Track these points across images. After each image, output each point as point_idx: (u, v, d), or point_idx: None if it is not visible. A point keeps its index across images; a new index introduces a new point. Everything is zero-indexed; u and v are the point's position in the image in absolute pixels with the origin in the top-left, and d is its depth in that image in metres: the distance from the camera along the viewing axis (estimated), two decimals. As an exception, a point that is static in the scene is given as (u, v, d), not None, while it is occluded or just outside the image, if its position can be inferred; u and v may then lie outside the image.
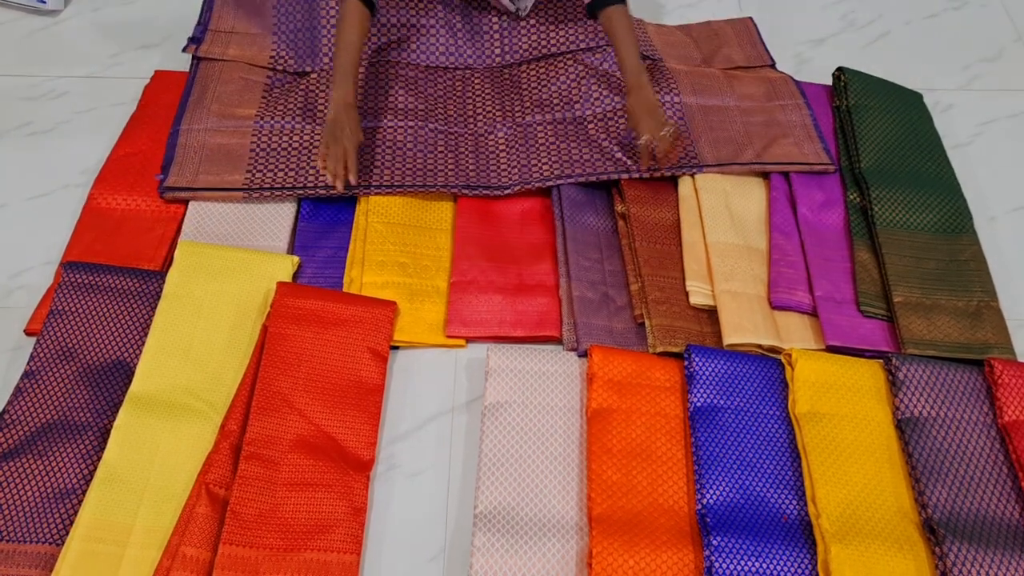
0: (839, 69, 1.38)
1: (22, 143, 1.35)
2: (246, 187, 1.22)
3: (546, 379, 1.08)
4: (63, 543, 0.92)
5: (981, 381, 1.07)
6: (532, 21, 1.37)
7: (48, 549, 0.93)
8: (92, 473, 0.97)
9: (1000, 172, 1.38)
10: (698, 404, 1.04)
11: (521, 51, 1.37)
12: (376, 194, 1.23)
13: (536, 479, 1.00)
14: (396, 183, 1.24)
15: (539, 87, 1.36)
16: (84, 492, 0.96)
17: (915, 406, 1.03)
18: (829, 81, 1.40)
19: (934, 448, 1.00)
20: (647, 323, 1.13)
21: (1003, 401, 1.03)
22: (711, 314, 1.16)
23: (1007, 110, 1.47)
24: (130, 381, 1.04)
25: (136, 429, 1.00)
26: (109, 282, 1.12)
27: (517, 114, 1.34)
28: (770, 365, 1.09)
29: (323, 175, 1.17)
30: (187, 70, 1.42)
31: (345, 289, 1.17)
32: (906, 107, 1.37)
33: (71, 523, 0.94)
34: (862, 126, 1.31)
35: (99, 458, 0.98)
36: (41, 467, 0.97)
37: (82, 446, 1.00)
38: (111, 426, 1.00)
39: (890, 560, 0.92)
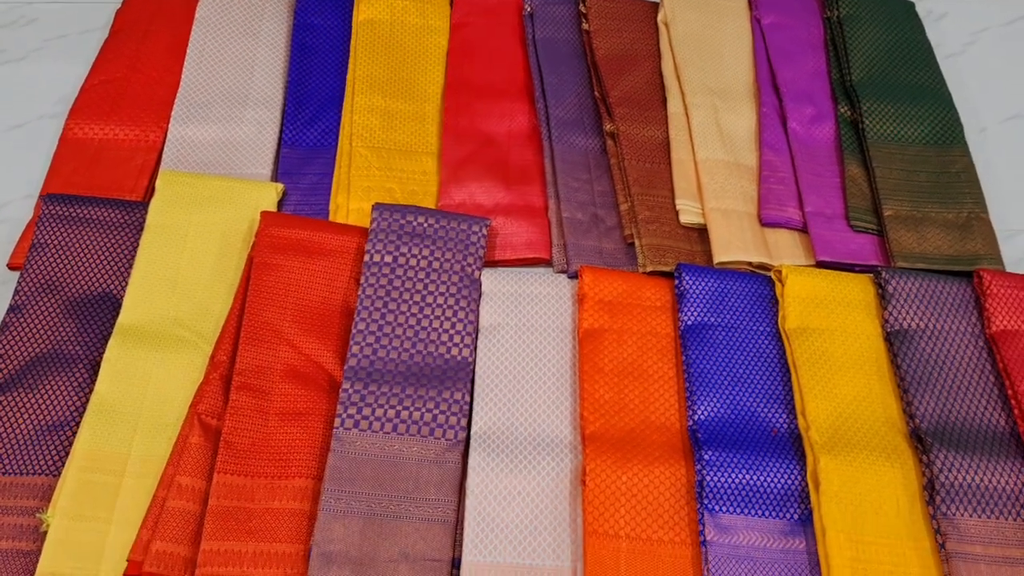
0: (830, -22, 1.35)
1: (-7, 73, 1.31)
2: None
3: (538, 301, 1.08)
4: (60, 474, 0.93)
5: (970, 292, 1.07)
6: None
7: (45, 480, 0.93)
8: (84, 405, 0.97)
9: (992, 82, 1.36)
10: (689, 322, 1.05)
11: None
12: None
13: (530, 400, 1.01)
14: None
15: None
16: (77, 424, 0.96)
17: (904, 319, 1.04)
18: (820, -9, 1.37)
19: (922, 359, 1.01)
20: (637, 243, 1.12)
21: (991, 311, 1.04)
22: (701, 233, 1.15)
23: (1001, 18, 1.44)
24: (118, 313, 1.03)
25: (126, 361, 0.99)
26: (91, 214, 1.10)
27: None
28: (760, 282, 1.09)
29: None
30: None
31: (331, 216, 1.15)
32: (898, 17, 1.34)
33: (66, 455, 0.94)
34: (853, 37, 1.29)
35: (91, 390, 0.98)
36: (33, 400, 0.97)
37: (73, 379, 0.99)
38: (101, 358, 1.00)
39: (878, 469, 0.93)
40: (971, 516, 0.91)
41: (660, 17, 1.33)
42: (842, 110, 1.24)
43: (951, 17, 1.43)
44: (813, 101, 1.25)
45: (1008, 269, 1.13)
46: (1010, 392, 0.99)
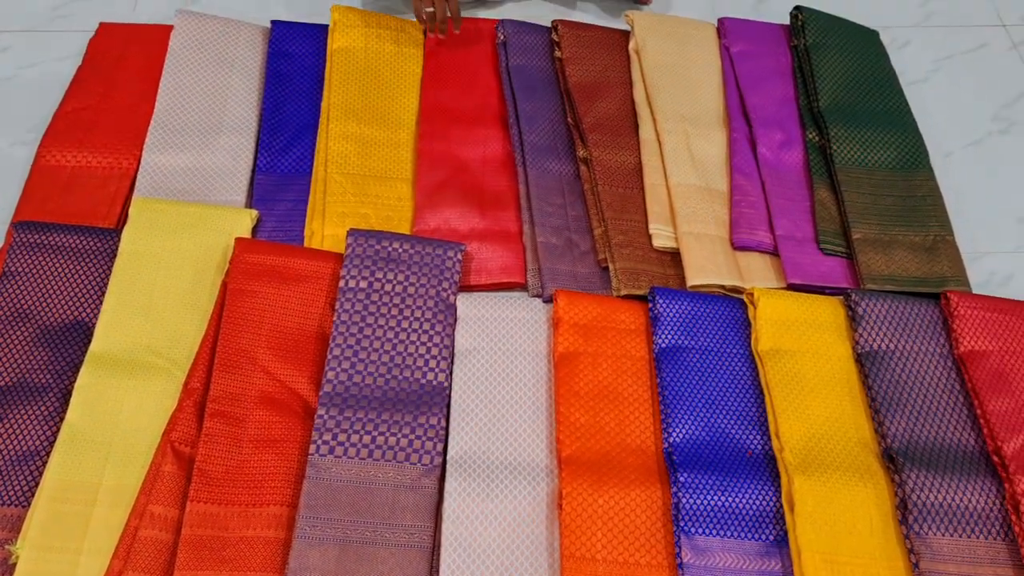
0: (796, 8, 1.38)
1: (-36, 101, 1.30)
2: None
3: (513, 325, 1.08)
4: (29, 505, 0.91)
5: (938, 313, 1.09)
6: None
7: (15, 511, 0.92)
8: (55, 435, 0.96)
9: (955, 108, 1.39)
10: (663, 345, 1.05)
11: None
12: None
13: (506, 423, 1.01)
14: None
15: None
16: (48, 454, 0.95)
17: (874, 340, 1.05)
18: (787, 21, 1.40)
19: (893, 380, 1.02)
20: (611, 267, 1.13)
21: (959, 332, 1.06)
22: (674, 256, 1.16)
23: (962, 46, 1.48)
24: (90, 341, 1.02)
25: (98, 389, 0.98)
26: (63, 241, 1.09)
27: None
28: (733, 305, 1.11)
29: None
30: (133, 22, 1.38)
31: (307, 242, 1.15)
32: (863, 45, 1.37)
33: (36, 485, 0.93)
34: (820, 65, 1.31)
35: (61, 419, 0.97)
36: (2, 430, 0.96)
37: (44, 408, 0.98)
38: (72, 387, 0.99)
39: (851, 489, 0.94)
40: (943, 535, 0.91)
41: (631, 46, 1.35)
42: (810, 136, 1.26)
43: (914, 45, 1.47)
44: (782, 127, 1.27)
45: (974, 290, 1.15)
46: (979, 412, 1.00)
